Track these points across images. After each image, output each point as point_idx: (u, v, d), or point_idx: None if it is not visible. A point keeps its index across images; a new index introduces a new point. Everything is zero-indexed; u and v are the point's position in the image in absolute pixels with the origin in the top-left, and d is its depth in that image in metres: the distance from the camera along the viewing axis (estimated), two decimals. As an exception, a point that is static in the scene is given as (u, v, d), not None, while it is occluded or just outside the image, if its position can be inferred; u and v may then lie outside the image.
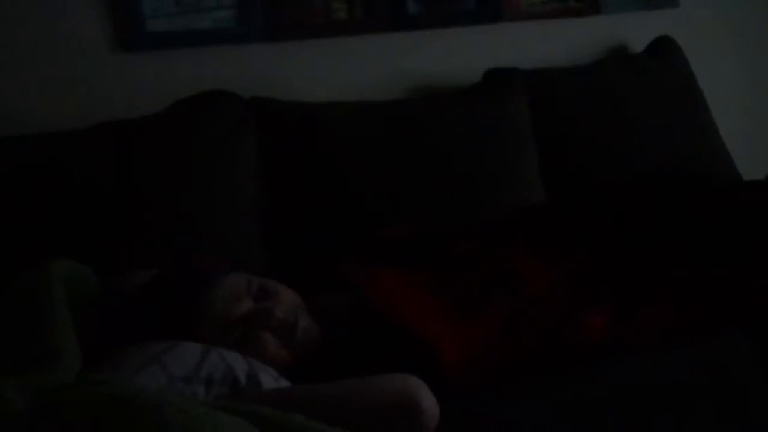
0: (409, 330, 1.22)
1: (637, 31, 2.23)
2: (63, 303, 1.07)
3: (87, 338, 1.06)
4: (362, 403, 0.98)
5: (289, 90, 1.77)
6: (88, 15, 1.65)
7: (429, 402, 0.98)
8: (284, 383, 1.12)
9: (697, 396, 1.22)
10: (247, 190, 1.61)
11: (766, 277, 1.33)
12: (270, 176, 1.65)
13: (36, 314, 1.05)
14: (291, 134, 1.68)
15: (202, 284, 1.20)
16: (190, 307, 1.18)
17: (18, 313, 1.07)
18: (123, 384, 0.92)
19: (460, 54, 2.01)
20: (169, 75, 1.72)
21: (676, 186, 1.67)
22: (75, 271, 1.18)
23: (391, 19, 1.92)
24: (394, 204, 1.66)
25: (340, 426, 0.78)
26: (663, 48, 2.17)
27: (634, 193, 1.67)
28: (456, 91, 1.91)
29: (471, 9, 2.03)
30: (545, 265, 1.41)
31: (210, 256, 1.41)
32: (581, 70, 2.06)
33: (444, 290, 1.34)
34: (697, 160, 2.02)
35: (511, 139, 1.84)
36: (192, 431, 0.68)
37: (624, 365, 1.21)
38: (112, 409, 0.74)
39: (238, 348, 1.14)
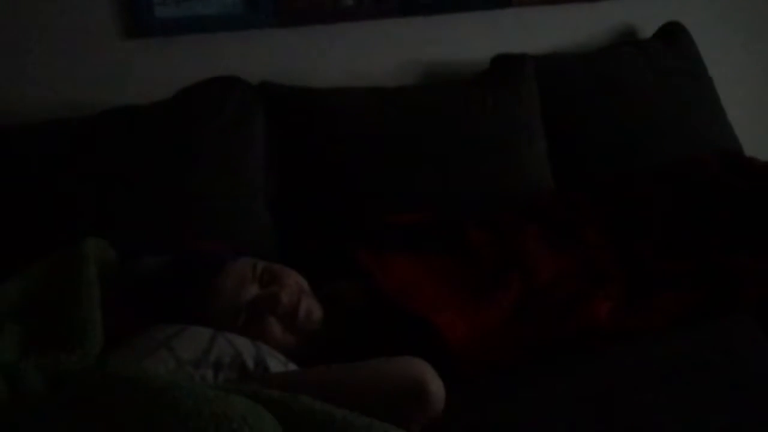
0: (418, 316, 1.22)
1: (646, 16, 2.21)
2: (95, 284, 1.09)
3: (106, 319, 1.08)
4: (369, 386, 0.99)
5: (298, 76, 1.77)
6: (96, 2, 1.65)
7: (436, 385, 0.98)
8: (292, 368, 1.13)
9: (703, 379, 1.22)
10: (255, 175, 1.61)
11: None
12: (279, 162, 1.65)
13: (67, 295, 1.05)
14: (300, 119, 1.68)
15: (209, 269, 1.21)
16: (198, 291, 1.19)
17: (51, 290, 1.08)
18: (135, 368, 0.93)
19: (468, 40, 2.00)
20: (177, 61, 1.72)
21: (681, 174, 1.66)
22: (103, 249, 1.19)
23: (399, 4, 1.91)
24: (403, 190, 1.66)
25: (348, 407, 0.78)
26: (672, 33, 2.15)
27: (640, 183, 1.67)
28: (465, 77, 1.90)
29: (480, -6, 2.02)
30: (555, 253, 1.41)
31: (218, 242, 1.41)
32: (591, 55, 2.05)
33: (456, 278, 1.34)
34: (705, 146, 2.01)
35: (520, 125, 1.84)
36: (203, 412, 0.68)
37: (631, 349, 1.21)
38: (126, 391, 0.75)
39: (244, 332, 1.14)
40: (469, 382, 1.11)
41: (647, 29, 2.21)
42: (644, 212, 1.54)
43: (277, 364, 1.10)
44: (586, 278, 1.35)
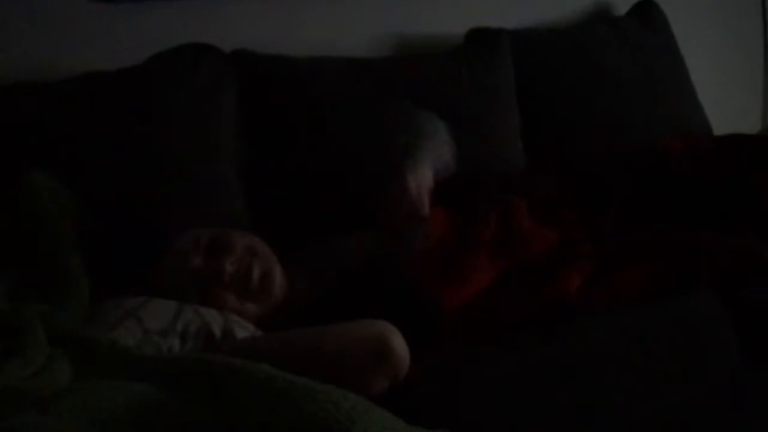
0: (427, 295, 1.23)
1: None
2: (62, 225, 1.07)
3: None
4: (333, 347, 1.00)
5: (272, 45, 1.74)
6: (65, -35, 1.62)
7: (400, 345, 1.00)
8: (261, 336, 1.13)
9: (664, 352, 1.24)
10: (226, 144, 1.59)
11: (739, 240, 1.35)
12: (251, 130, 1.64)
13: (41, 238, 1.04)
14: (274, 88, 1.67)
15: (150, 249, 1.21)
16: (143, 273, 1.19)
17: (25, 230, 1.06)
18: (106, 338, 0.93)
19: (444, 13, 1.99)
20: (148, 27, 1.69)
21: (646, 155, 1.68)
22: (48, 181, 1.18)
23: (375, -25, 1.90)
24: (376, 160, 1.66)
25: (314, 371, 0.79)
26: (646, 11, 2.17)
27: (607, 164, 1.68)
28: (439, 51, 1.89)
29: (456, -33, 2.01)
30: (543, 228, 1.42)
31: (176, 214, 1.41)
32: (565, 32, 2.05)
33: (460, 241, 1.34)
34: (675, 123, 2.03)
35: (494, 100, 1.84)
36: None
37: (595, 323, 1.23)
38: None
39: (203, 304, 1.14)
40: (436, 350, 1.13)
41: (622, 7, 2.21)
42: (610, 192, 1.55)
43: (245, 333, 1.11)
44: (561, 254, 1.36)
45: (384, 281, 1.24)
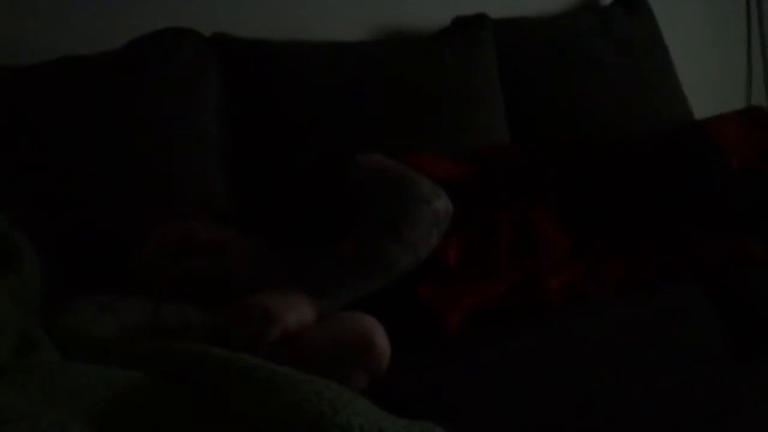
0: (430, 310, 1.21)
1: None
2: None
3: None
4: (316, 339, 1.00)
5: (254, 28, 1.72)
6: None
7: (381, 339, 0.99)
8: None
9: (649, 343, 1.25)
10: (208, 130, 1.57)
11: (725, 234, 1.35)
12: (234, 116, 1.62)
13: None
14: (257, 72, 1.65)
15: (121, 246, 1.18)
16: (113, 275, 1.16)
17: None
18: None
19: (427, 0, 1.98)
20: (128, 10, 1.66)
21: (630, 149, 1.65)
22: None
23: (360, -41, 1.88)
24: (359, 145, 1.64)
25: (293, 360, 0.78)
26: (631, 2, 2.18)
27: (591, 159, 1.65)
28: (422, 37, 1.89)
29: (441, -47, 2.00)
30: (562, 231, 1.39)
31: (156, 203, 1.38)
32: (549, 20, 2.06)
33: (471, 254, 1.30)
34: (658, 114, 2.04)
35: (478, 84, 1.84)
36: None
37: (580, 314, 1.24)
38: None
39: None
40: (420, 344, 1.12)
41: (606, -4, 2.22)
42: (595, 186, 1.53)
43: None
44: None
45: (388, 297, 1.20)
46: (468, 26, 1.90)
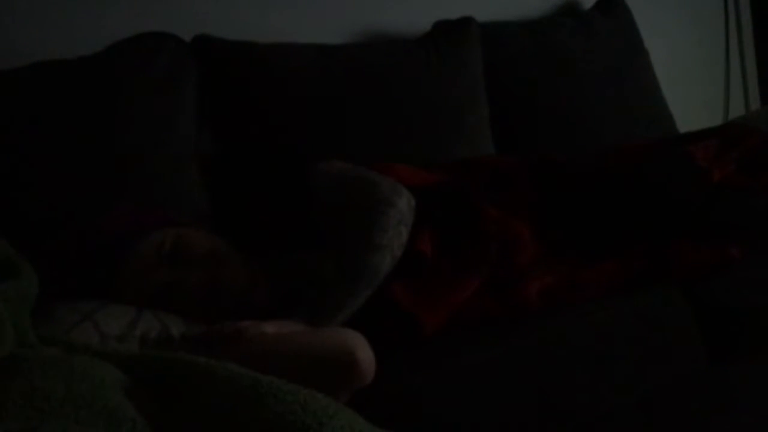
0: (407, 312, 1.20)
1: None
2: None
3: None
4: (300, 354, 1.00)
5: (235, 30, 1.70)
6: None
7: (365, 354, 0.99)
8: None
9: (630, 348, 1.25)
10: (186, 135, 1.56)
11: (706, 239, 1.36)
12: (213, 120, 1.61)
13: None
14: (238, 75, 1.64)
15: (109, 257, 1.15)
16: (101, 282, 1.14)
17: None
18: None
19: (411, 3, 1.98)
20: (107, 14, 1.65)
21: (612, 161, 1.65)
22: None
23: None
24: (341, 150, 1.63)
25: (278, 374, 0.78)
26: (611, 6, 2.20)
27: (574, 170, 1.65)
28: (406, 40, 1.88)
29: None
30: (536, 235, 1.39)
31: (134, 206, 1.36)
32: (533, 24, 2.06)
33: (456, 256, 1.30)
34: (638, 118, 2.06)
35: (463, 88, 1.84)
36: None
37: (561, 318, 1.24)
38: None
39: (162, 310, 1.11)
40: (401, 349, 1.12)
41: (587, 1, 2.23)
42: (572, 200, 1.53)
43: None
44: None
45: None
46: (454, 29, 1.90)
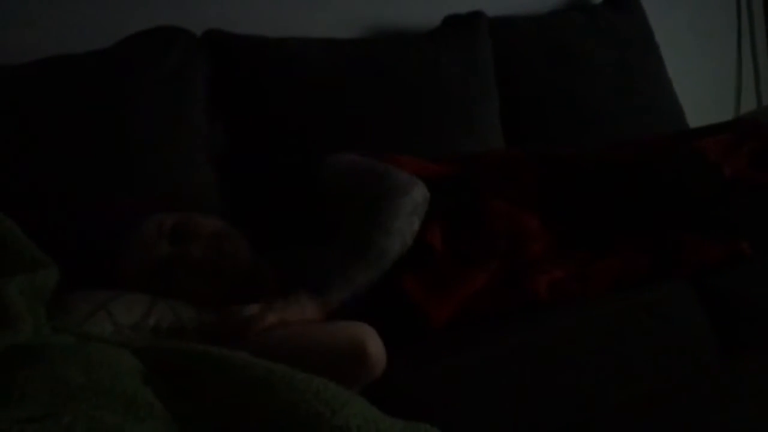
0: (413, 304, 1.20)
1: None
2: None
3: None
4: (310, 346, 0.99)
5: (244, 24, 1.71)
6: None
7: (376, 348, 0.99)
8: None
9: (638, 340, 1.25)
10: (197, 129, 1.57)
11: (716, 233, 1.36)
12: (224, 114, 1.61)
13: None
14: (249, 69, 1.64)
15: (110, 240, 1.17)
16: (105, 265, 1.15)
17: None
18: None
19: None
20: (118, 9, 1.65)
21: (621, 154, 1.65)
22: None
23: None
24: (351, 144, 1.64)
25: (288, 366, 0.78)
26: (622, 0, 2.18)
27: (583, 163, 1.64)
28: (417, 34, 1.88)
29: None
30: (544, 227, 1.39)
31: (129, 199, 1.37)
32: (542, 18, 2.06)
33: (463, 249, 1.30)
34: (649, 112, 2.05)
35: (473, 80, 1.84)
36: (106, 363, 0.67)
37: (572, 310, 1.23)
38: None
39: (166, 295, 1.11)
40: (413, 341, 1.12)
41: (598, -5, 2.23)
42: (582, 195, 1.52)
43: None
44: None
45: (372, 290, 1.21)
46: (464, 23, 1.90)
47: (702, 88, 2.42)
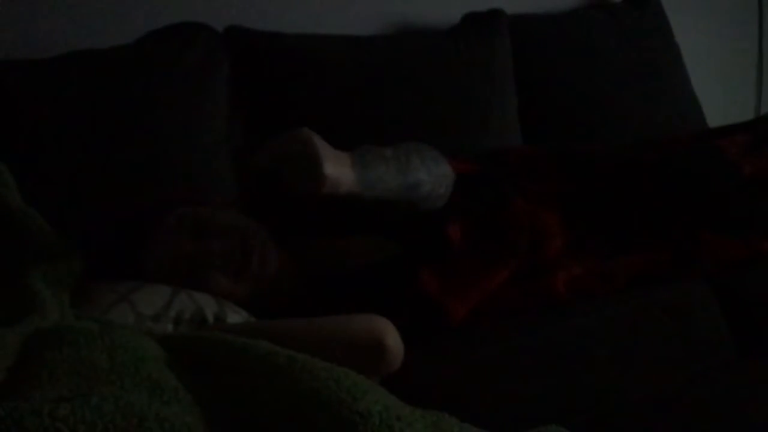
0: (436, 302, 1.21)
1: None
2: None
3: None
4: (328, 339, 1.00)
5: (266, 21, 1.72)
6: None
7: (394, 341, 1.00)
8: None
9: (657, 339, 1.25)
10: (218, 125, 1.57)
11: (736, 233, 1.36)
12: (245, 111, 1.62)
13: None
14: (270, 66, 1.65)
15: (132, 232, 1.18)
16: (130, 264, 1.16)
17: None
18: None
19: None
20: (140, 5, 1.67)
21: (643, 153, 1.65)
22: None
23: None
24: (370, 141, 1.64)
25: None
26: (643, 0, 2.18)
27: (604, 161, 1.64)
28: (436, 32, 1.89)
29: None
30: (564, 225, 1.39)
31: (168, 193, 1.38)
32: (561, 16, 2.06)
33: (486, 249, 1.30)
34: (668, 112, 2.05)
35: (492, 78, 1.84)
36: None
37: (590, 307, 1.24)
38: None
39: (194, 288, 1.12)
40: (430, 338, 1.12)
41: (619, -6, 2.22)
42: (601, 193, 1.52)
43: (237, 319, 1.10)
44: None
45: (390, 284, 1.22)
46: (484, 21, 1.90)
47: (722, 88, 2.41)
